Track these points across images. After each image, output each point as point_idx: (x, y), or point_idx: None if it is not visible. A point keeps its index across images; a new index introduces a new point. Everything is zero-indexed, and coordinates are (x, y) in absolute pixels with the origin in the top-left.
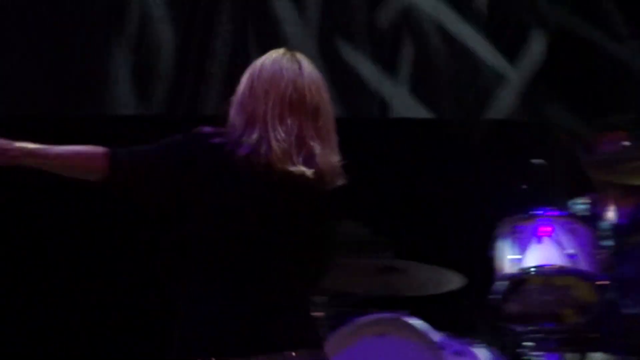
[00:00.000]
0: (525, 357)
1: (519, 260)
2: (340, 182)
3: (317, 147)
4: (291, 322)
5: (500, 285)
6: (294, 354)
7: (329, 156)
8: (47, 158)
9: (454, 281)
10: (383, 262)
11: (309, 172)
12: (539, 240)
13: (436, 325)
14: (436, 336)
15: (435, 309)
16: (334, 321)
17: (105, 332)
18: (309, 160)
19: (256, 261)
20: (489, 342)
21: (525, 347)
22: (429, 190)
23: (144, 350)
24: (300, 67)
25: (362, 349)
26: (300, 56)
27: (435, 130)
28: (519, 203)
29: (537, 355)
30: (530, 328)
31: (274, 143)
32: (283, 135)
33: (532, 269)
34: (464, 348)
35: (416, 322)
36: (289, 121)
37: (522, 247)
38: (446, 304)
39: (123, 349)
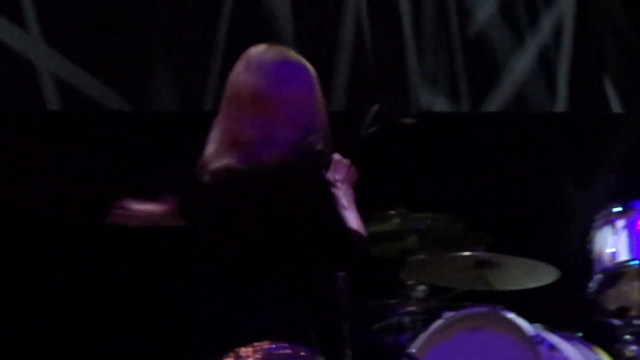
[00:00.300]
0: (622, 351)
1: (616, 253)
2: (292, 163)
3: (253, 138)
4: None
5: (597, 278)
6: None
7: (274, 141)
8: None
9: (549, 274)
10: (478, 256)
11: (236, 165)
12: (636, 233)
13: (531, 319)
14: (531, 330)
15: (531, 303)
16: (428, 316)
17: (105, 332)
18: (243, 153)
19: (219, 261)
20: (585, 336)
21: (621, 340)
22: (524, 183)
23: (144, 351)
24: (249, 62)
25: (457, 343)
26: (262, 49)
27: (528, 125)
28: (616, 196)
29: (634, 349)
30: (626, 321)
31: (208, 146)
32: (217, 136)
33: (629, 262)
34: (560, 342)
35: (511, 316)
36: (225, 120)
37: (619, 240)
38: (542, 298)
39: (123, 349)
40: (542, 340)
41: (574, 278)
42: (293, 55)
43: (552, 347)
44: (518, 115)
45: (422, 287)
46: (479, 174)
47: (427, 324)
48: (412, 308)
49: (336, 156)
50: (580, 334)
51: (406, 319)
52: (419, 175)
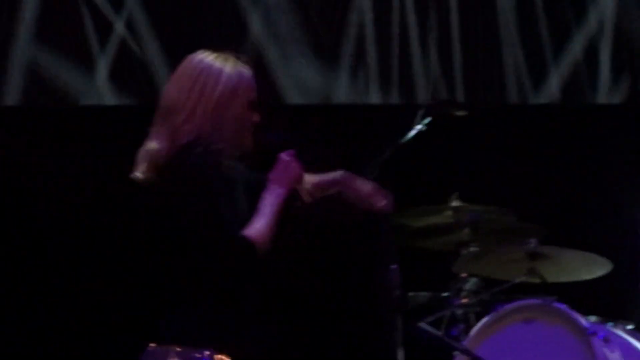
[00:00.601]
0: None
1: None
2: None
3: (144, 147)
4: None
5: None
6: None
7: (151, 148)
8: None
9: (602, 266)
10: (531, 248)
11: (134, 177)
12: None
13: (584, 311)
14: (585, 322)
15: (584, 295)
16: (481, 308)
17: (104, 332)
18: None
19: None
20: (639, 328)
21: None
22: (575, 175)
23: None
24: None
25: (510, 335)
26: (189, 57)
27: (580, 117)
28: None
29: None
30: None
31: None
32: None
33: None
34: (613, 334)
35: (564, 308)
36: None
37: None
38: (595, 290)
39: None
40: (596, 332)
41: (627, 270)
42: (213, 60)
43: (605, 338)
44: (568, 107)
45: (474, 280)
46: (533, 166)
47: (479, 316)
48: (465, 300)
49: (282, 155)
50: (632, 326)
51: (459, 312)
52: (472, 168)
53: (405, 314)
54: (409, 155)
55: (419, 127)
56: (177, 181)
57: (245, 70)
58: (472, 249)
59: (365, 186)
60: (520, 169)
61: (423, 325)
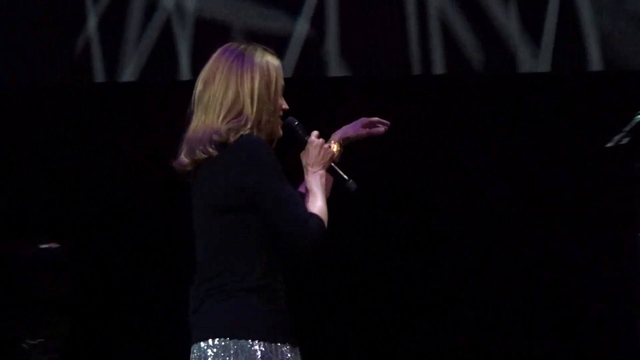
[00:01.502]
0: None
1: None
2: (208, 153)
3: (190, 134)
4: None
5: None
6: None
7: (197, 134)
8: None
9: None
10: None
11: (182, 162)
12: None
13: None
14: None
15: None
16: None
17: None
18: (185, 150)
19: (197, 253)
20: None
21: None
22: None
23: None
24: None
25: None
26: (224, 48)
27: None
28: None
29: None
30: None
31: None
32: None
33: None
34: None
35: None
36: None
37: None
38: None
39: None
40: None
41: None
42: (243, 51)
43: None
44: None
45: None
46: None
47: None
48: None
49: (311, 137)
50: None
51: None
52: None
53: None
54: None
55: None
56: (246, 161)
57: (273, 58)
58: None
59: (358, 124)
60: None
61: None
